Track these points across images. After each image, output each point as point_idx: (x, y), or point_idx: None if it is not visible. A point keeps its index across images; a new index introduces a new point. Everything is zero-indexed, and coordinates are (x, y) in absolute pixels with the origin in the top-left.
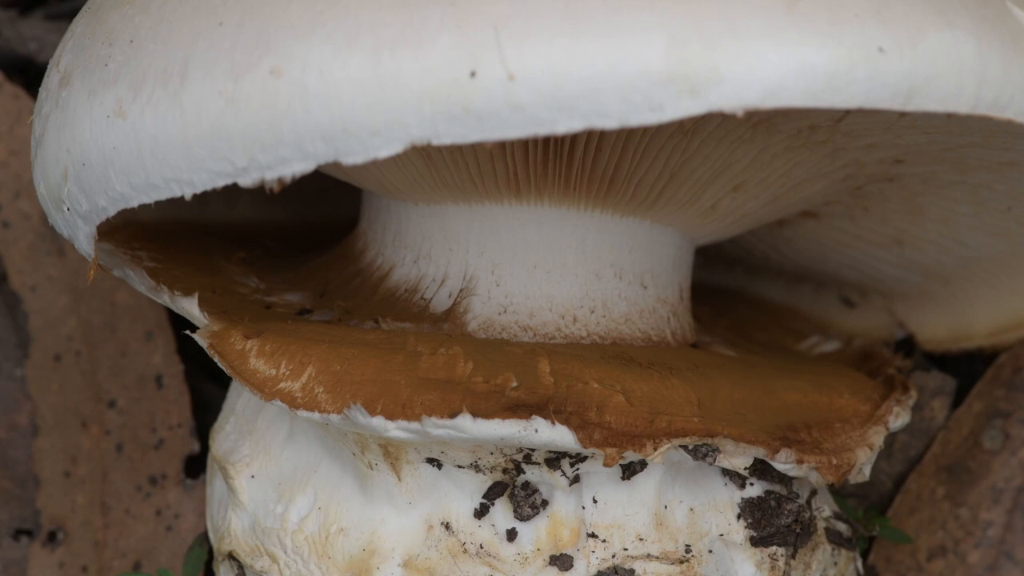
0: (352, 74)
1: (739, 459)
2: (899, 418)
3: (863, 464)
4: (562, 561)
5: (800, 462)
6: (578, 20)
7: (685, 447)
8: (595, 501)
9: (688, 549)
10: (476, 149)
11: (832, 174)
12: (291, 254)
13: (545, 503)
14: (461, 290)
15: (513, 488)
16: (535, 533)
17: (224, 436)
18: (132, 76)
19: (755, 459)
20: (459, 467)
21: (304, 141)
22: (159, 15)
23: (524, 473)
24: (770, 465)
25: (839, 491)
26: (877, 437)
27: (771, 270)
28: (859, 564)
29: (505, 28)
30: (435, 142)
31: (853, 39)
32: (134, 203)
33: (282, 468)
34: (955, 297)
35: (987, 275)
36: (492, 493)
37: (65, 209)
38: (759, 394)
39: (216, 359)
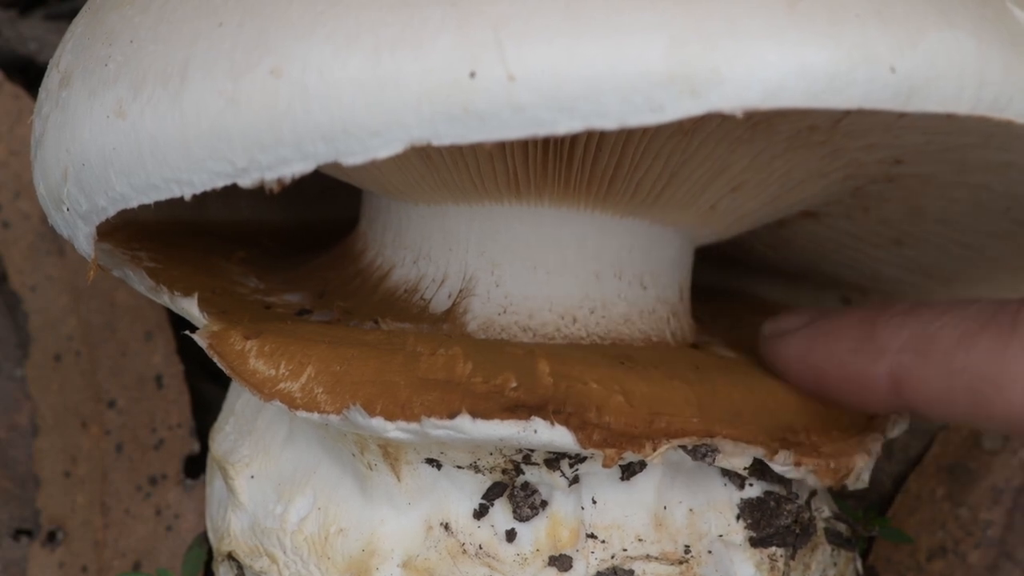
0: (352, 74)
1: (738, 459)
2: (896, 426)
3: (861, 470)
4: (561, 562)
5: (798, 464)
6: (578, 20)
7: (684, 447)
8: (594, 502)
9: (687, 550)
10: (476, 149)
11: (832, 174)
12: (291, 254)
13: (544, 503)
14: (461, 290)
15: (512, 488)
16: (534, 534)
17: (224, 436)
18: (132, 76)
19: (754, 460)
20: (458, 468)
21: (304, 141)
22: (159, 15)
23: (523, 474)
24: (769, 466)
25: (839, 492)
26: (875, 444)
27: (771, 270)
28: (859, 564)
29: (505, 28)
30: (435, 142)
31: (853, 40)
32: (134, 203)
33: (281, 469)
34: (955, 297)
35: (987, 275)
36: (491, 494)
37: (65, 209)
38: (759, 395)
39: (215, 359)
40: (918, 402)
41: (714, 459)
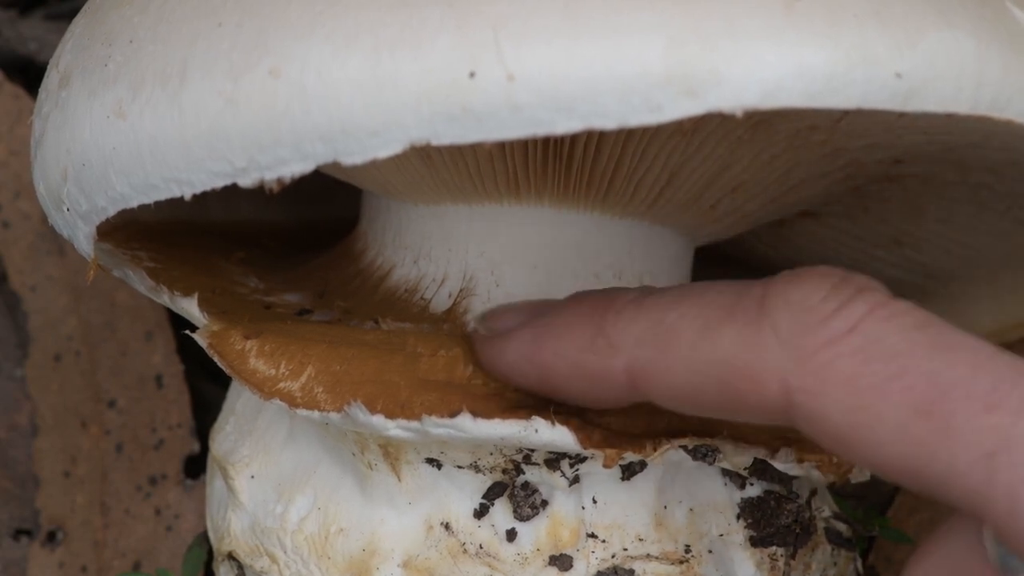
0: (351, 75)
1: (739, 459)
2: None
3: None
4: (562, 561)
5: (800, 461)
6: (577, 20)
7: (685, 447)
8: (595, 501)
9: (688, 549)
10: (475, 150)
11: (832, 174)
12: (291, 254)
13: (545, 503)
14: (461, 290)
15: (513, 488)
16: (535, 533)
17: (224, 436)
18: (131, 76)
19: (755, 459)
20: (459, 467)
21: (303, 142)
22: (158, 15)
23: (524, 473)
24: (770, 465)
25: (839, 491)
26: None
27: (772, 270)
28: (859, 564)
29: (504, 29)
30: (434, 142)
31: (851, 40)
32: (133, 203)
33: (282, 468)
34: (956, 297)
35: (988, 275)
36: (492, 493)
37: (65, 209)
38: None
39: (216, 359)
40: (662, 398)
41: (715, 459)
